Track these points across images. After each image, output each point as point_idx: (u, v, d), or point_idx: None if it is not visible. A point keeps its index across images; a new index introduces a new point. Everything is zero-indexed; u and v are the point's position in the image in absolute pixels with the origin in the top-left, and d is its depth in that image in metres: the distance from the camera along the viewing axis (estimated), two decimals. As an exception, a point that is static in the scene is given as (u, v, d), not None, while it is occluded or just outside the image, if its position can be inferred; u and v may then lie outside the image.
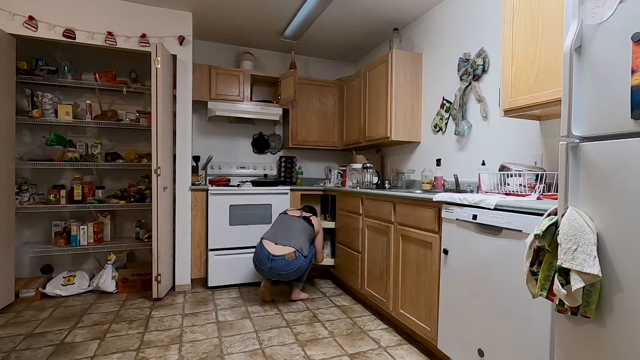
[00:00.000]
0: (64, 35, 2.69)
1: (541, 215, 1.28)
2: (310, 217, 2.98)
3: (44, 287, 2.85)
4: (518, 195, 1.67)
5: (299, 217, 2.92)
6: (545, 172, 1.71)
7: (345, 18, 3.12)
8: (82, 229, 3.03)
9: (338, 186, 3.48)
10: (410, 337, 2.22)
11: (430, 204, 1.97)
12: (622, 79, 0.96)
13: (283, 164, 3.88)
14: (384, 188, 3.05)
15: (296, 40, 3.61)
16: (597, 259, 0.96)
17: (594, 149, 1.02)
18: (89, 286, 2.97)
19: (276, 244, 2.71)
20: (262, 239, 2.80)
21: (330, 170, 3.77)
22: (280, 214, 3.03)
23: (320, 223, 3.03)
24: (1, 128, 2.52)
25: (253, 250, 3.21)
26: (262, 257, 2.66)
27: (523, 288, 1.38)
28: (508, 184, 1.77)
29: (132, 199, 3.24)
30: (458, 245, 1.74)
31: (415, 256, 2.09)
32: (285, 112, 3.81)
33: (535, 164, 1.99)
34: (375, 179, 3.11)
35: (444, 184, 2.65)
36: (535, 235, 1.09)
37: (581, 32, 1.07)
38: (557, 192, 1.73)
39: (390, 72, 2.91)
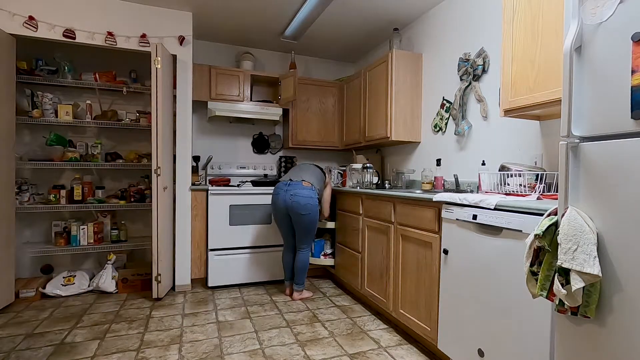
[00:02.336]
0: (64, 35, 2.69)
1: (541, 215, 1.28)
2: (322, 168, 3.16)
3: (44, 287, 2.85)
4: (518, 195, 1.67)
5: (310, 163, 3.14)
6: (545, 172, 1.71)
7: (345, 18, 3.12)
8: (82, 229, 3.03)
9: (338, 186, 3.48)
10: (410, 337, 2.22)
11: (430, 204, 1.97)
12: (622, 79, 0.96)
13: (283, 164, 3.88)
14: (384, 188, 3.05)
15: (296, 40, 3.61)
16: (597, 259, 0.96)
17: (594, 149, 1.02)
18: (89, 286, 2.97)
19: (290, 180, 2.84)
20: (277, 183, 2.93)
21: (330, 170, 3.78)
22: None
23: (330, 178, 3.18)
24: (1, 128, 2.52)
25: (253, 250, 3.22)
26: (278, 189, 2.80)
27: (523, 288, 1.38)
28: (508, 184, 1.77)
29: (132, 199, 3.24)
30: (458, 245, 1.74)
31: (415, 256, 2.09)
32: (285, 112, 3.81)
33: (535, 164, 1.99)
34: (375, 179, 3.11)
35: (444, 184, 2.65)
36: (535, 235, 1.09)
37: (581, 32, 1.07)
38: (557, 192, 1.73)
39: (390, 72, 2.91)
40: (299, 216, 2.72)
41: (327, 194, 3.02)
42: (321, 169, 3.07)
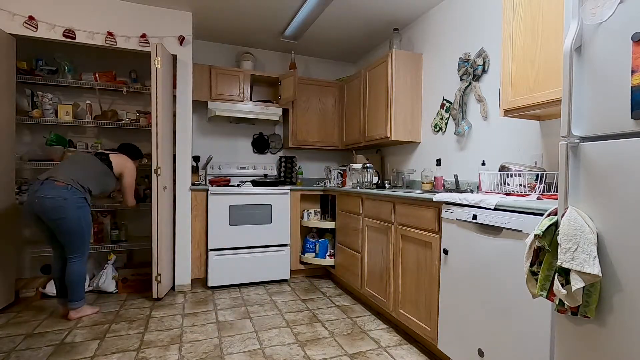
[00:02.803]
0: (64, 35, 2.69)
1: (541, 215, 1.28)
2: (110, 155, 2.61)
3: (44, 287, 2.84)
4: (518, 195, 1.67)
5: (90, 154, 2.55)
6: (545, 172, 1.71)
7: (345, 18, 3.12)
8: (82, 229, 3.03)
9: (338, 186, 3.48)
10: (410, 337, 2.22)
11: (430, 204, 1.97)
12: (622, 79, 0.96)
13: (283, 164, 3.88)
14: (384, 188, 3.05)
15: (296, 40, 3.61)
16: (597, 259, 0.96)
17: (594, 149, 1.02)
18: (89, 286, 2.97)
19: (47, 178, 2.31)
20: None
21: (330, 170, 3.77)
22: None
23: (129, 165, 2.67)
24: (1, 128, 2.52)
25: (253, 250, 3.22)
26: (29, 190, 2.31)
27: (523, 288, 1.38)
28: (508, 184, 1.77)
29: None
30: (458, 245, 1.74)
31: (415, 256, 2.09)
32: (285, 112, 3.81)
33: (535, 164, 1.99)
34: (375, 179, 3.11)
35: (444, 184, 2.65)
36: (535, 235, 1.09)
37: (581, 32, 1.07)
38: (557, 192, 1.73)
39: (390, 72, 2.91)
40: (52, 222, 2.27)
41: (126, 183, 2.64)
42: (111, 153, 2.61)
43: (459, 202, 1.71)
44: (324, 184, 3.83)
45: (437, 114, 2.83)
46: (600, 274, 0.95)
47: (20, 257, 3.04)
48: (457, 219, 1.74)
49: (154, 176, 2.70)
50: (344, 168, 3.58)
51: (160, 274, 2.76)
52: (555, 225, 1.09)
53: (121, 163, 2.64)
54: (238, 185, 3.27)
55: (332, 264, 3.29)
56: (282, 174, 3.87)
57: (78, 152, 2.61)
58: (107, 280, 2.93)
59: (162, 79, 2.71)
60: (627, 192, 0.94)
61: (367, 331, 2.29)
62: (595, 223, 1.02)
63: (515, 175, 1.74)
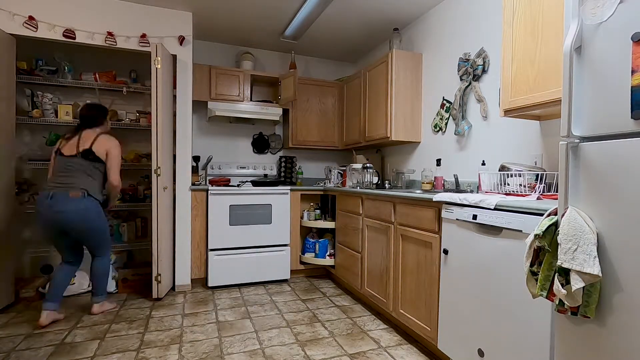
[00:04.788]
0: (64, 35, 2.69)
1: (541, 215, 1.28)
2: (93, 147, 2.36)
3: (44, 287, 2.84)
4: (518, 195, 1.67)
5: (77, 158, 2.33)
6: (545, 172, 1.71)
7: (345, 18, 3.12)
8: (82, 229, 3.03)
9: (338, 186, 3.48)
10: (410, 337, 2.22)
11: (430, 204, 1.97)
12: (622, 79, 0.96)
13: (283, 164, 3.88)
14: (384, 188, 3.05)
15: (296, 40, 3.61)
16: (597, 259, 0.96)
17: (594, 149, 1.02)
18: (88, 286, 2.97)
19: (55, 190, 2.27)
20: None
21: (330, 170, 3.77)
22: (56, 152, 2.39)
23: (110, 143, 2.42)
24: (1, 128, 2.52)
25: (253, 250, 3.22)
26: (40, 203, 2.24)
27: (523, 288, 1.38)
28: (508, 184, 1.77)
29: (131, 199, 3.24)
30: (458, 245, 1.74)
31: (415, 256, 2.09)
32: (285, 112, 3.81)
33: (535, 164, 1.99)
34: (375, 179, 3.11)
35: (444, 184, 2.65)
36: (535, 235, 1.09)
37: (581, 32, 1.07)
38: (557, 192, 1.73)
39: (390, 72, 2.91)
40: (80, 232, 2.30)
41: (112, 180, 2.42)
42: (91, 144, 2.35)
43: (459, 202, 1.71)
44: (324, 184, 3.83)
45: (437, 114, 2.83)
46: (600, 274, 0.95)
47: (20, 257, 3.04)
48: (457, 219, 1.74)
49: (154, 176, 2.70)
50: (344, 168, 3.58)
51: (160, 274, 2.76)
52: (555, 225, 1.09)
53: (102, 144, 2.39)
54: (238, 185, 3.27)
55: (332, 264, 3.29)
56: (282, 174, 3.87)
57: (66, 159, 2.33)
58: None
59: (162, 79, 2.71)
60: (627, 192, 0.94)
61: (367, 331, 2.29)
62: (595, 223, 1.02)
63: (515, 175, 1.74)
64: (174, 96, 3.08)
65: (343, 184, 3.49)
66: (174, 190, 3.08)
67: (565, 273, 1.02)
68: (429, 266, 1.96)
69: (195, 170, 3.39)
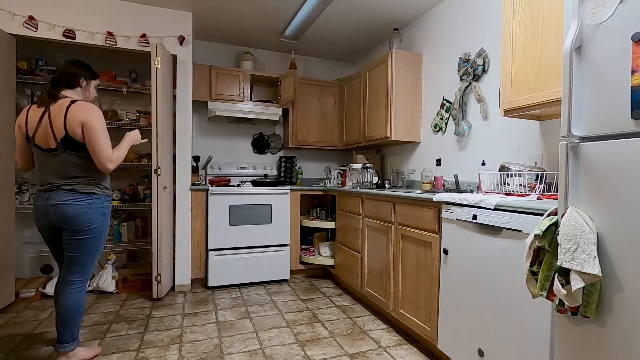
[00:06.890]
0: (64, 35, 2.69)
1: (541, 215, 1.28)
2: (67, 127, 1.69)
3: (44, 287, 2.84)
4: (518, 195, 1.67)
5: (56, 149, 1.72)
6: (545, 172, 1.71)
7: (345, 18, 3.12)
8: (82, 229, 3.03)
9: (338, 186, 3.48)
10: (410, 337, 2.22)
11: (430, 204, 1.97)
12: (622, 79, 0.96)
13: (283, 164, 3.88)
14: (384, 188, 3.05)
15: (296, 40, 3.61)
16: (597, 259, 0.96)
17: (594, 149, 1.02)
18: (88, 286, 2.97)
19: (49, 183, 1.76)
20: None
21: (330, 170, 3.78)
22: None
23: (85, 111, 1.72)
24: (1, 128, 2.52)
25: (253, 250, 3.22)
26: (38, 198, 1.78)
27: (523, 288, 1.38)
28: (508, 184, 1.77)
29: (132, 199, 3.24)
30: (458, 245, 1.74)
31: (415, 256, 2.09)
32: (285, 112, 3.81)
33: (535, 164, 1.99)
34: (375, 179, 3.11)
35: (444, 184, 2.65)
36: (535, 235, 1.09)
37: (581, 32, 1.07)
38: (557, 192, 1.73)
39: (390, 72, 2.91)
40: (71, 232, 1.75)
41: (102, 161, 1.77)
42: (79, 148, 1.75)
43: (459, 202, 1.71)
44: (324, 184, 3.83)
45: (437, 114, 2.83)
46: (600, 274, 0.95)
47: (20, 257, 3.04)
48: (457, 219, 1.74)
49: (154, 176, 2.70)
50: (344, 168, 3.58)
51: (160, 274, 2.76)
52: (555, 225, 1.09)
53: (74, 116, 1.70)
54: (238, 185, 3.27)
55: (332, 264, 3.29)
56: (282, 174, 3.87)
57: (48, 156, 1.75)
58: (107, 280, 2.93)
59: (162, 79, 2.71)
60: (627, 192, 0.94)
61: (367, 331, 2.29)
62: (595, 223, 1.02)
63: (515, 175, 1.74)
64: (174, 96, 3.08)
65: (343, 184, 3.49)
66: (174, 190, 3.08)
67: (565, 273, 1.02)
68: (429, 266, 1.96)
69: (195, 170, 3.39)
